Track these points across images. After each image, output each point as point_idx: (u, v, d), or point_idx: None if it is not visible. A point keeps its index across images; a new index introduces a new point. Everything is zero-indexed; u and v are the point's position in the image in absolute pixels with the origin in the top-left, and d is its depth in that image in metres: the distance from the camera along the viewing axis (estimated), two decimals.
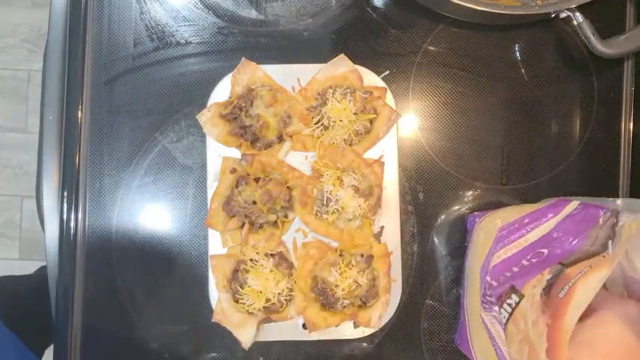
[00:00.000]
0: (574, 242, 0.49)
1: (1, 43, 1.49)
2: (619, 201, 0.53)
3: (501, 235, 0.57)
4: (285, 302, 0.64)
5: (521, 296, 0.47)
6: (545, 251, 0.51)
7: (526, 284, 0.48)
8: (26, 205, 1.50)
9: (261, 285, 0.63)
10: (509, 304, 0.49)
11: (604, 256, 0.46)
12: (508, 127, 0.69)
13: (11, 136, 1.50)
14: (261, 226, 0.65)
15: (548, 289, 0.45)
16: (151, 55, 0.67)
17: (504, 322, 0.48)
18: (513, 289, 0.49)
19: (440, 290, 0.68)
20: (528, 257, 0.52)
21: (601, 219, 0.49)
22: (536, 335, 0.45)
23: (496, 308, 0.51)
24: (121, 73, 0.67)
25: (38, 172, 0.70)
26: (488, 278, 0.54)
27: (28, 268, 1.05)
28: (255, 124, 0.64)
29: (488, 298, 0.52)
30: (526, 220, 0.57)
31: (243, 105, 0.64)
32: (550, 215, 0.56)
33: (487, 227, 0.61)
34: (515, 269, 0.52)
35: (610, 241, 0.47)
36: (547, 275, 0.46)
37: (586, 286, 0.44)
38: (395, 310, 0.66)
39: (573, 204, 0.55)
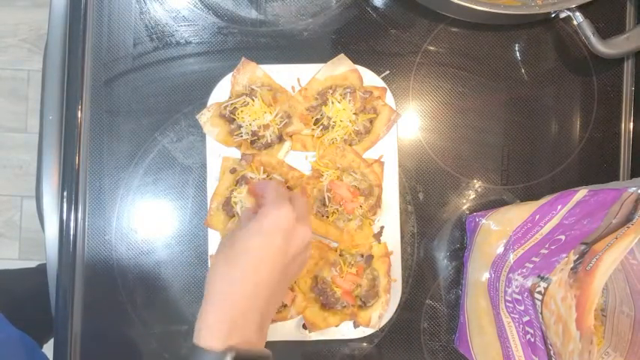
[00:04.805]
0: (590, 224, 0.49)
1: (1, 43, 1.49)
2: (627, 182, 0.52)
3: (517, 237, 0.57)
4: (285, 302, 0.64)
5: (549, 281, 0.47)
6: (563, 237, 0.51)
7: (553, 270, 0.48)
8: (26, 205, 1.50)
9: None
10: (539, 292, 0.48)
11: (628, 227, 0.45)
12: (508, 127, 0.69)
13: (11, 136, 1.50)
14: None
15: (576, 269, 0.45)
16: (150, 55, 0.67)
17: (539, 310, 0.48)
18: (541, 278, 0.49)
19: (440, 290, 0.68)
20: (546, 246, 0.52)
21: (623, 195, 0.49)
22: (565, 308, 0.45)
23: (521, 307, 0.51)
24: (120, 73, 0.67)
25: (38, 172, 0.70)
26: (511, 275, 0.53)
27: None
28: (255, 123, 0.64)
29: (515, 296, 0.52)
30: (537, 217, 0.57)
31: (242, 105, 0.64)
32: (559, 207, 0.56)
33: (491, 228, 0.61)
34: (536, 259, 0.52)
35: (635, 214, 0.47)
36: (573, 257, 0.46)
37: (613, 254, 0.44)
38: (395, 310, 0.66)
39: (582, 192, 0.55)
